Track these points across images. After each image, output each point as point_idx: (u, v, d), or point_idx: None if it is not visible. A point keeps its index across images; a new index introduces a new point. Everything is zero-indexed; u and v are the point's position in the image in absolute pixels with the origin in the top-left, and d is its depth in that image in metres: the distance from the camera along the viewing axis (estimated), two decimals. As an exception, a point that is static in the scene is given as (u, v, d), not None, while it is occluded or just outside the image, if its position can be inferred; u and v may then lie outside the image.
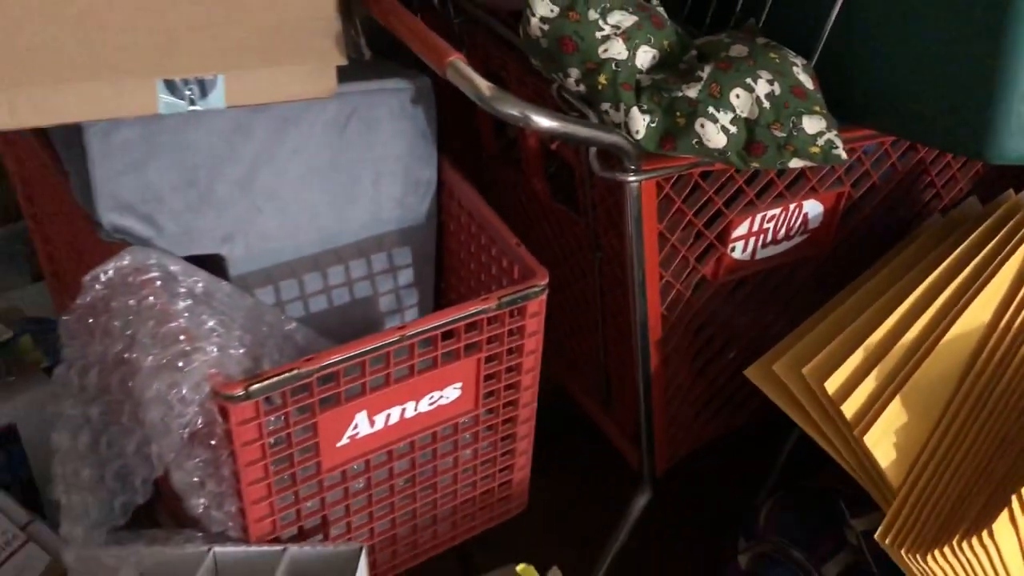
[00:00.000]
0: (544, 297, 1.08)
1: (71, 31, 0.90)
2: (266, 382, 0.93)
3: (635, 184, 1.01)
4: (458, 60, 0.93)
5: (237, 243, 1.11)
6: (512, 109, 0.91)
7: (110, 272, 1.00)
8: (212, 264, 1.09)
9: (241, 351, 0.99)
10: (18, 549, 1.31)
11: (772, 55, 0.98)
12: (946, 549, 0.89)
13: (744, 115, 0.96)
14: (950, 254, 1.10)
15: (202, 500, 1.00)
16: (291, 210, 1.13)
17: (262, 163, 1.09)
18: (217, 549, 1.02)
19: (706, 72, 0.96)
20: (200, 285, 1.03)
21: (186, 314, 0.98)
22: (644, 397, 1.21)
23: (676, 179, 1.06)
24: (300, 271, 1.17)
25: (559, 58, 0.98)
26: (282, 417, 0.98)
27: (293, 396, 0.97)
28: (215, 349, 0.95)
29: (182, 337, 0.95)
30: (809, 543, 1.17)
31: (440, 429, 1.12)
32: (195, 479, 0.98)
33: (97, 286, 1.00)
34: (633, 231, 1.05)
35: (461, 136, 1.45)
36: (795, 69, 0.98)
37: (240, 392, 0.92)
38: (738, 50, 1.00)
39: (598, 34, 0.96)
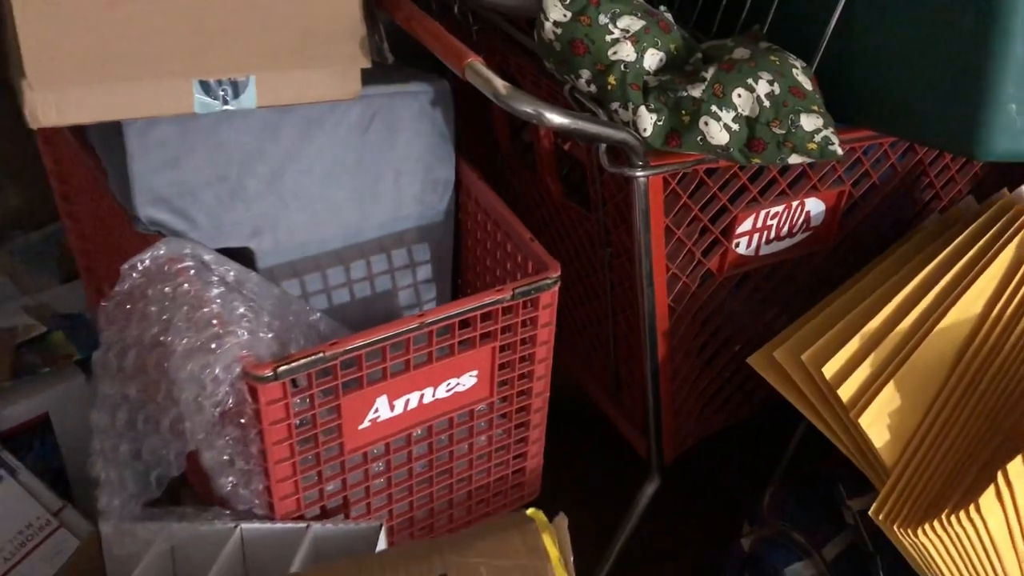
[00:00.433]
0: (556, 289, 1.12)
1: (115, 34, 0.95)
2: (293, 364, 0.97)
3: (643, 179, 1.05)
4: (476, 61, 0.98)
5: (265, 237, 1.15)
6: (527, 106, 0.95)
7: (147, 261, 1.05)
8: (241, 258, 1.13)
9: (270, 335, 1.03)
10: (51, 534, 1.34)
11: (773, 58, 1.02)
12: (936, 523, 0.93)
13: (745, 113, 0.99)
14: (945, 249, 1.13)
15: (231, 479, 1.04)
16: (316, 206, 1.17)
17: (289, 161, 1.13)
18: (244, 525, 1.06)
19: (710, 73, 1.00)
20: (232, 274, 1.08)
21: (218, 300, 1.02)
22: (652, 386, 1.24)
23: (681, 176, 1.10)
24: (324, 265, 1.21)
25: (571, 60, 1.02)
26: (307, 399, 1.01)
27: (318, 379, 1.01)
28: (245, 333, 0.99)
29: (214, 322, 0.99)
30: (809, 526, 1.20)
31: (456, 415, 1.15)
32: (225, 457, 1.02)
33: (134, 274, 1.04)
34: (641, 225, 1.09)
35: (478, 140, 1.49)
36: (794, 71, 1.02)
37: (269, 373, 0.96)
38: (740, 53, 1.03)
39: (608, 37, 1.00)
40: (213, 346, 0.97)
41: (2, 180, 1.68)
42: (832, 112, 1.04)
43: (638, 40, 1.01)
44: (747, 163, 1.02)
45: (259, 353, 0.99)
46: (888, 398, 1.02)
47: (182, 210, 1.09)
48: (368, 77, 1.10)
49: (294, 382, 1.00)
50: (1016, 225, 1.13)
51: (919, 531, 0.94)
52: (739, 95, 0.99)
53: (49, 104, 0.96)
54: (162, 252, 1.06)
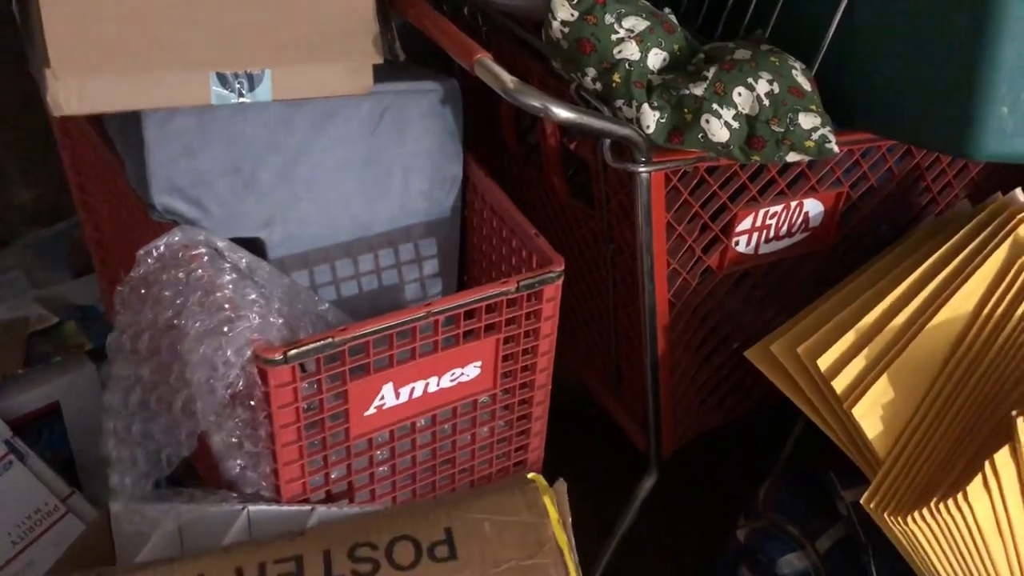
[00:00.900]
0: (560, 283, 1.13)
1: (136, 25, 0.98)
2: (302, 348, 0.98)
3: (645, 175, 1.08)
4: (485, 57, 1.01)
5: (276, 228, 1.17)
6: (534, 101, 0.98)
7: (162, 247, 1.07)
8: (252, 248, 1.15)
9: (280, 321, 1.04)
10: (59, 520, 1.37)
11: (773, 59, 1.05)
12: (925, 511, 0.95)
13: (745, 112, 1.02)
14: (939, 248, 1.16)
15: (239, 461, 1.05)
16: (327, 199, 1.19)
17: (302, 153, 1.15)
18: (251, 507, 1.07)
19: (711, 72, 1.03)
20: (244, 261, 1.10)
21: (231, 286, 1.04)
22: (651, 380, 1.26)
23: (683, 173, 1.13)
24: (333, 257, 1.22)
25: (578, 58, 1.05)
26: (315, 384, 1.03)
27: (326, 364, 1.02)
28: (257, 318, 1.01)
29: (227, 306, 1.01)
30: (803, 519, 1.22)
31: (460, 405, 1.16)
32: (234, 440, 1.03)
33: (150, 260, 1.06)
34: (643, 219, 1.11)
35: (485, 139, 1.51)
36: (794, 71, 1.05)
37: (279, 356, 0.97)
38: (742, 54, 1.06)
39: (613, 37, 1.03)
40: (225, 329, 0.99)
41: (15, 178, 1.71)
42: (830, 114, 1.06)
43: (642, 40, 1.04)
44: (747, 160, 1.05)
45: (269, 337, 1.01)
46: (881, 391, 1.04)
47: (196, 199, 1.11)
48: (379, 75, 1.12)
49: (303, 367, 1.01)
50: (1008, 227, 1.16)
51: (909, 519, 0.96)
52: (739, 94, 1.02)
53: (72, 92, 0.98)
54: (177, 239, 1.08)
